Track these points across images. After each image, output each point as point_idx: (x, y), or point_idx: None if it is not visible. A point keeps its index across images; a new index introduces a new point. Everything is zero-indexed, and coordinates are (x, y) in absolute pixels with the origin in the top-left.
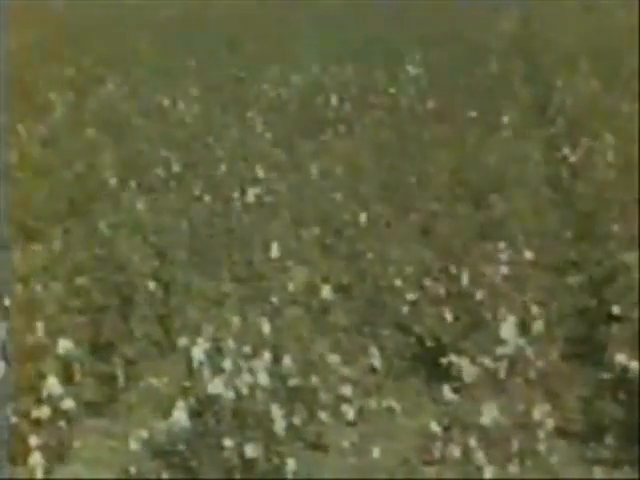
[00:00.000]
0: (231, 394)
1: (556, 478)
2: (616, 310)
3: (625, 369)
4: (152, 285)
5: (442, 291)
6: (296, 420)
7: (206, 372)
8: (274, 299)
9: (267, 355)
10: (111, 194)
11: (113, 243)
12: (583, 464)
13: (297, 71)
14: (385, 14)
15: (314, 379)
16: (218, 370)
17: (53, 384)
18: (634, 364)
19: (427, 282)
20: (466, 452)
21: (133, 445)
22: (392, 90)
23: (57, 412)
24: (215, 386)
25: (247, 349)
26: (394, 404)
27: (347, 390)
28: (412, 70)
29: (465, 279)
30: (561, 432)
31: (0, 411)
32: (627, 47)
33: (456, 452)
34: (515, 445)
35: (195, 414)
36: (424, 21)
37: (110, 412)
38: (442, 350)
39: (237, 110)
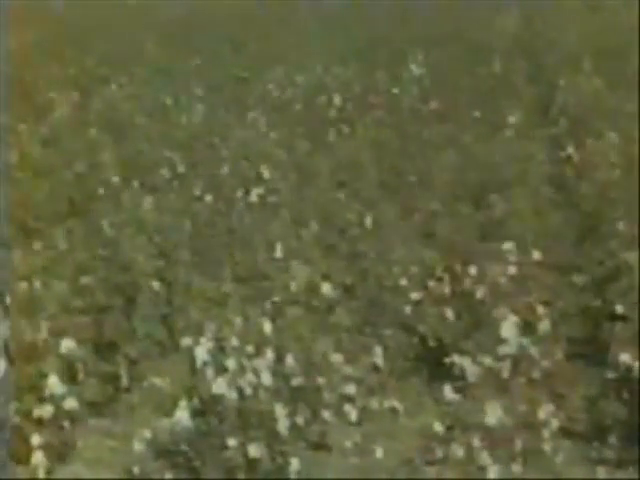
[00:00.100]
0: (234, 394)
1: (560, 478)
2: (619, 310)
3: (629, 369)
4: (156, 285)
5: (445, 291)
6: (299, 420)
7: (209, 372)
8: (277, 299)
9: (270, 355)
10: (114, 194)
11: (116, 243)
12: (587, 464)
13: (300, 71)
14: (388, 14)
15: (317, 379)
16: (221, 370)
17: (55, 383)
18: (638, 364)
19: (430, 282)
20: (469, 452)
21: (136, 445)
22: (395, 90)
23: (59, 411)
24: (218, 386)
25: (250, 349)
26: (397, 404)
27: (350, 389)
28: (415, 70)
29: (468, 279)
30: (565, 432)
31: (2, 410)
32: (630, 46)
33: (459, 452)
34: (519, 445)
35: (198, 414)
36: (427, 21)
37: (113, 412)
38: (445, 350)
39: (240, 110)
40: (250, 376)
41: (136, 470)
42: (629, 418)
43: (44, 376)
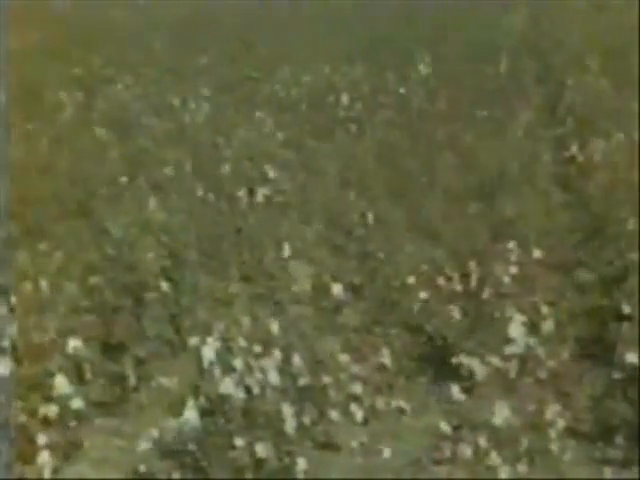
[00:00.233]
0: (241, 393)
1: (566, 478)
2: (626, 309)
3: (635, 369)
4: (164, 285)
5: (452, 290)
6: (306, 419)
7: (216, 371)
8: (284, 298)
9: (277, 354)
10: (120, 193)
11: (124, 243)
12: (593, 464)
13: (308, 71)
14: (395, 14)
15: (324, 378)
16: (228, 369)
17: (61, 383)
18: None
19: (437, 281)
20: (476, 452)
21: (143, 445)
22: (402, 90)
23: (66, 411)
24: (226, 385)
25: (257, 348)
26: (404, 404)
27: (357, 389)
28: (423, 69)
29: (475, 279)
30: (572, 432)
31: (7, 409)
32: (637, 46)
33: (466, 452)
34: (525, 445)
35: (205, 413)
36: (433, 20)
37: (120, 412)
38: (452, 350)
39: (248, 110)
40: (257, 376)
41: (143, 470)
42: (635, 418)
43: (50, 375)
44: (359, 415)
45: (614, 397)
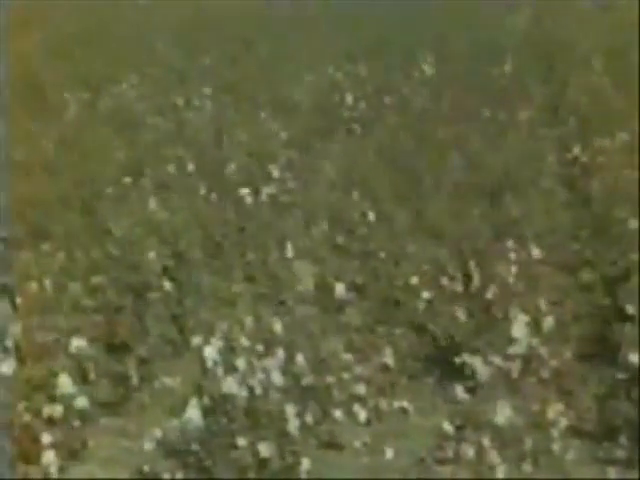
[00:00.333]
0: (244, 393)
1: (569, 478)
2: (630, 309)
3: (639, 368)
4: (167, 285)
5: (456, 290)
6: (309, 419)
7: (219, 371)
8: (287, 298)
9: (280, 354)
10: (124, 193)
11: (127, 242)
12: (597, 464)
13: (311, 71)
14: (398, 13)
15: (327, 378)
16: (231, 369)
17: (65, 383)
18: None
19: (441, 281)
20: (480, 452)
21: (147, 444)
22: (406, 90)
23: (70, 411)
24: (229, 385)
25: (260, 348)
26: (407, 404)
27: (361, 389)
28: (426, 69)
29: (479, 278)
30: (575, 432)
31: (11, 409)
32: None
33: (470, 452)
34: (529, 444)
35: (209, 413)
36: (438, 20)
37: (124, 411)
38: (456, 350)
39: (251, 109)
40: (260, 375)
41: (147, 469)
42: (639, 418)
43: (54, 375)
44: (362, 415)
45: (617, 397)
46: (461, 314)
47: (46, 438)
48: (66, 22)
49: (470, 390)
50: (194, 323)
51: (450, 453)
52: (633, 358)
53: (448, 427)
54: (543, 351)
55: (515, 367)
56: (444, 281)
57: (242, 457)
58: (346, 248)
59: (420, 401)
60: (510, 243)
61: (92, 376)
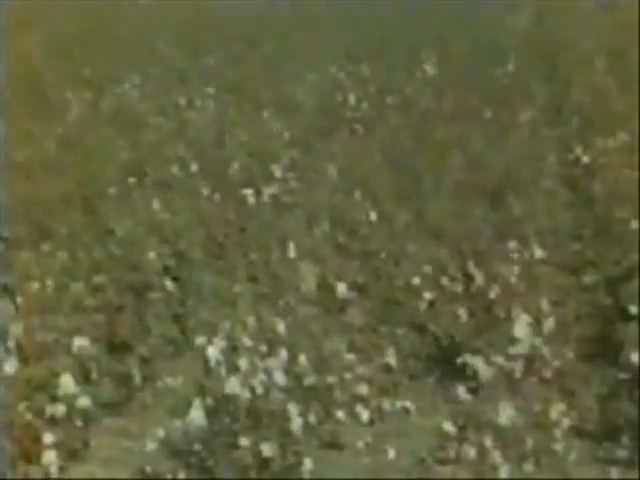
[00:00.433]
0: (247, 393)
1: (572, 478)
2: (632, 309)
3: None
4: (169, 284)
5: (458, 290)
6: (312, 419)
7: (222, 371)
8: (289, 298)
9: (283, 354)
10: (126, 193)
11: (129, 242)
12: (599, 464)
13: (314, 71)
14: (400, 13)
15: (330, 378)
16: (234, 369)
17: (67, 382)
18: None
19: (443, 281)
20: (481, 452)
21: (149, 445)
22: (408, 90)
23: (72, 410)
24: (231, 385)
25: (263, 348)
26: (409, 404)
27: (363, 389)
28: (429, 69)
29: (480, 278)
30: (577, 432)
31: (13, 409)
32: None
33: (471, 452)
34: (530, 444)
35: (211, 413)
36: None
37: (127, 411)
38: (457, 350)
39: (254, 109)
40: (262, 375)
41: (149, 469)
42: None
43: (56, 375)
44: (365, 415)
45: (620, 397)
46: (463, 314)
47: (47, 438)
48: (68, 22)
49: (472, 390)
50: (196, 323)
51: (452, 453)
52: (635, 358)
53: (450, 427)
54: (545, 351)
55: (517, 367)
56: (445, 281)
57: (244, 457)
58: (348, 248)
59: (422, 401)
60: (512, 243)
61: (94, 376)
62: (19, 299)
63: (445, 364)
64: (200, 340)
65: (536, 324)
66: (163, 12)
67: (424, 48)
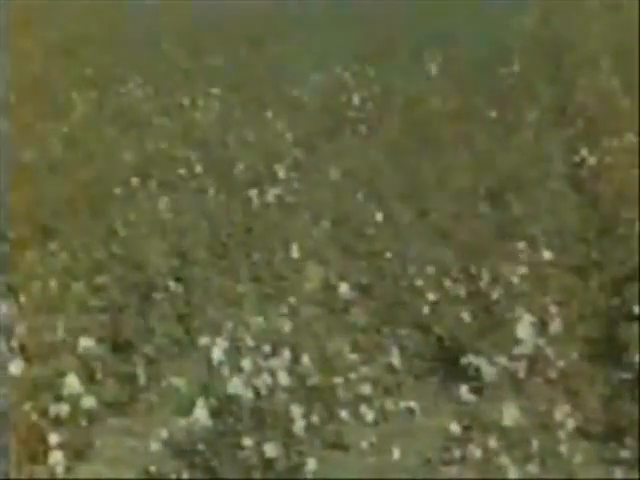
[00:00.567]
0: (250, 393)
1: (576, 479)
2: (636, 310)
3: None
4: (173, 284)
5: (461, 291)
6: (315, 419)
7: (225, 371)
8: (293, 298)
9: (286, 354)
10: (131, 193)
11: (133, 242)
12: (604, 465)
13: (318, 71)
14: (405, 13)
15: (333, 378)
16: (237, 369)
17: (72, 382)
18: None
19: (447, 282)
20: (486, 452)
21: (153, 445)
22: (412, 90)
23: (77, 410)
24: (234, 385)
25: (266, 348)
26: (413, 404)
27: (367, 389)
28: (433, 70)
29: (485, 279)
30: (582, 432)
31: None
32: None
33: (476, 452)
34: (535, 445)
35: (215, 413)
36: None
37: (131, 411)
38: (461, 350)
39: (258, 109)
40: (266, 376)
41: (153, 469)
42: None
43: (60, 375)
44: (369, 415)
45: (624, 398)
46: (467, 315)
47: (53, 438)
48: (72, 22)
49: (476, 391)
50: (200, 323)
51: (456, 454)
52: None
53: (454, 428)
54: (549, 352)
55: (521, 367)
56: (450, 282)
57: (248, 457)
58: (352, 248)
59: (426, 401)
60: (517, 244)
61: (99, 376)
62: (23, 299)
63: (449, 364)
64: (204, 340)
65: (540, 324)
66: (167, 12)
67: (429, 48)
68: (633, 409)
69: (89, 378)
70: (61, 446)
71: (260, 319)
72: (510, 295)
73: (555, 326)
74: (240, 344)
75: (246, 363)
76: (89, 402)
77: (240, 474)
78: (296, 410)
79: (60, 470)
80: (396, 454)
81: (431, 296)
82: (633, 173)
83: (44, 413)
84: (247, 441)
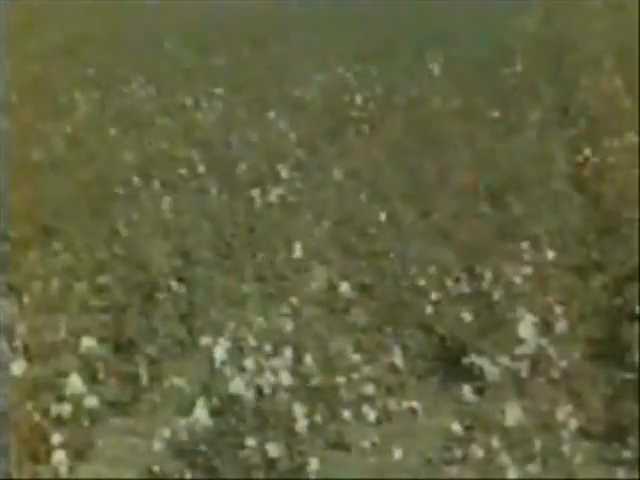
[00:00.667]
0: (252, 393)
1: (578, 479)
2: (638, 310)
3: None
4: (175, 284)
5: (463, 291)
6: (318, 419)
7: (228, 371)
8: (296, 298)
9: (289, 354)
10: (133, 193)
11: (135, 242)
12: (606, 465)
13: (321, 71)
14: (407, 13)
15: (336, 378)
16: (240, 369)
17: (75, 382)
18: None
19: (449, 282)
20: (488, 452)
21: (156, 444)
22: (414, 89)
23: (80, 410)
24: (237, 385)
25: (269, 348)
26: (416, 404)
27: (369, 389)
28: (436, 70)
29: (487, 279)
30: (584, 433)
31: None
32: None
33: (478, 452)
34: (537, 445)
35: (217, 413)
36: (447, 20)
37: (134, 411)
38: (464, 350)
39: (260, 110)
40: (268, 376)
41: (156, 469)
42: None
43: (63, 375)
44: (372, 415)
45: (626, 398)
46: (468, 314)
47: (56, 438)
48: (74, 22)
49: (478, 390)
50: (203, 323)
51: (458, 454)
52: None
53: (456, 427)
54: (552, 351)
55: (523, 367)
56: (452, 282)
57: (250, 457)
58: (354, 248)
59: (429, 401)
60: (519, 244)
61: (101, 376)
62: (25, 298)
63: (451, 364)
64: (206, 340)
65: (542, 324)
66: (170, 12)
67: (431, 48)
68: (635, 409)
69: (91, 378)
70: (63, 446)
71: (262, 319)
72: (512, 295)
73: (561, 326)
74: (242, 344)
75: (248, 363)
76: (91, 402)
77: (242, 474)
78: (298, 410)
79: (63, 470)
80: (398, 454)
81: (433, 296)
82: (634, 173)
83: (45, 413)
84: (249, 441)
